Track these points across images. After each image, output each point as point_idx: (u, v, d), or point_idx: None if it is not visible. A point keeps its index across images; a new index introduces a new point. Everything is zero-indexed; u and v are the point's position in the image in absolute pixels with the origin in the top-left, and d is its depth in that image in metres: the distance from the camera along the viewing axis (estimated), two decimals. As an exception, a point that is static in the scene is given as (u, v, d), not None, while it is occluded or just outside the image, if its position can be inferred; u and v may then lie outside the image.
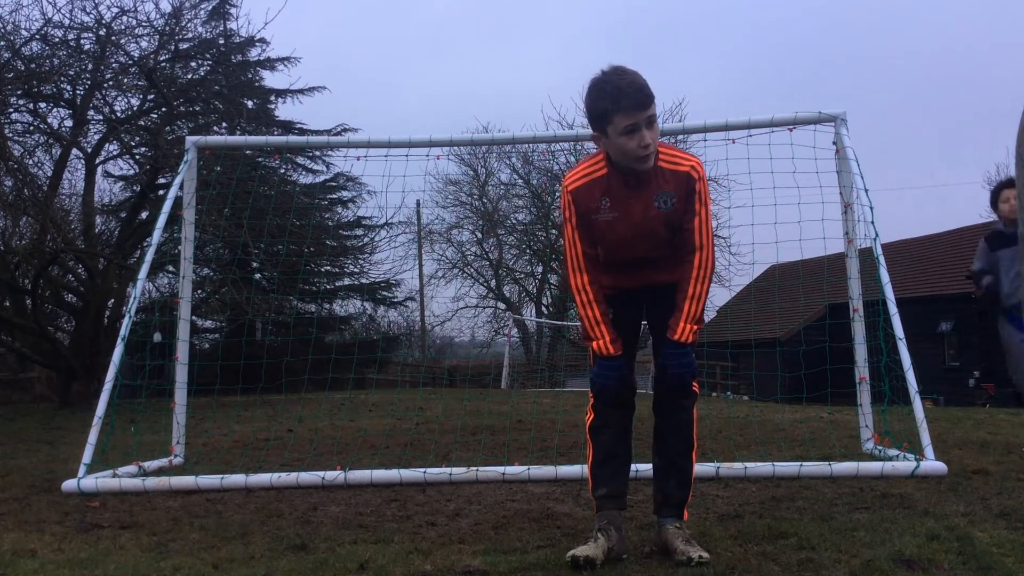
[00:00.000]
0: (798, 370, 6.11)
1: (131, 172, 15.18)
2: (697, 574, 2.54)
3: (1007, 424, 6.44)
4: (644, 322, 3.08)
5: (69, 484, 4.42)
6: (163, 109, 13.01)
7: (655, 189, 2.74)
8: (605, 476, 2.87)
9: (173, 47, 12.66)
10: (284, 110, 28.81)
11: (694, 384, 2.89)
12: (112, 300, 13.41)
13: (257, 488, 4.39)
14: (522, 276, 29.98)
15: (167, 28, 12.23)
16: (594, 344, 2.80)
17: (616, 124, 2.65)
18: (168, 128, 13.00)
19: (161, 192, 12.52)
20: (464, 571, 2.66)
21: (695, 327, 2.76)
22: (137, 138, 13.45)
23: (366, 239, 21.62)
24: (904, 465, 4.21)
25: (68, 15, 11.76)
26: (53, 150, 12.89)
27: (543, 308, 29.55)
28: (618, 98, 2.63)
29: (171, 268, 12.35)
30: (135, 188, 14.96)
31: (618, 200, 2.77)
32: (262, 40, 15.73)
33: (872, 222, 4.75)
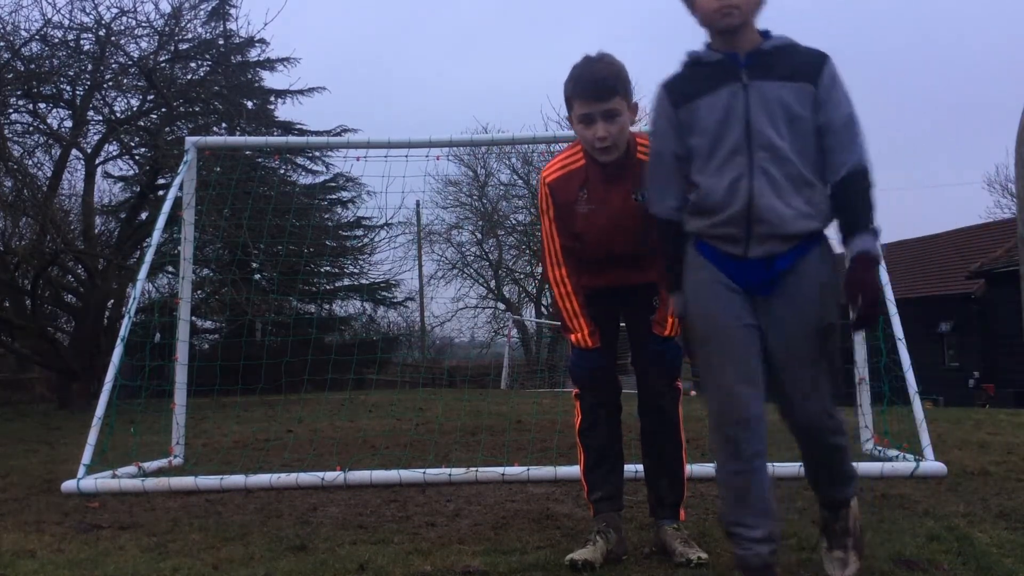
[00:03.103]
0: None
1: (131, 173, 15.17)
2: (697, 575, 2.54)
3: (1007, 424, 6.44)
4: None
5: (69, 485, 4.42)
6: (163, 109, 13.01)
7: (634, 181, 2.73)
8: (599, 479, 2.86)
9: (173, 47, 12.67)
10: (284, 111, 28.78)
11: (677, 382, 2.90)
12: (112, 301, 13.40)
13: (257, 489, 4.39)
14: (522, 276, 29.99)
15: (167, 29, 12.23)
16: (573, 336, 2.79)
17: (575, 110, 2.66)
18: (168, 128, 13.00)
19: (161, 192, 12.52)
20: (464, 571, 2.66)
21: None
22: (137, 139, 13.45)
23: (366, 239, 21.61)
24: (904, 466, 4.21)
25: (68, 16, 11.74)
26: (53, 151, 12.89)
27: (543, 309, 29.53)
28: (575, 85, 2.65)
29: (171, 269, 12.33)
30: (135, 189, 14.96)
31: (596, 192, 2.75)
32: (262, 41, 15.73)
33: (872, 222, 4.74)
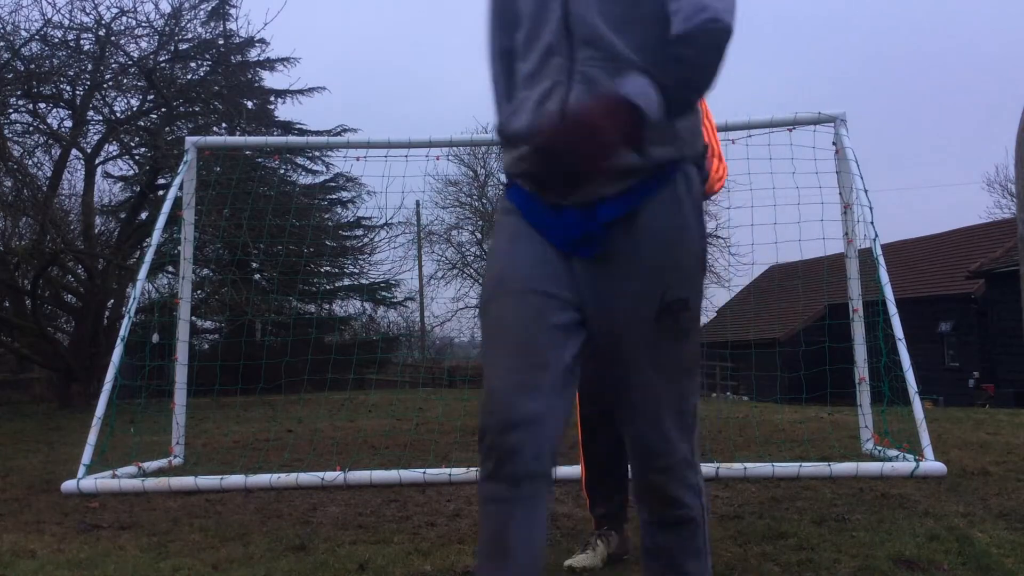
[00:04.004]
0: (798, 370, 6.12)
1: (131, 172, 15.18)
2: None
3: (1007, 424, 6.44)
4: None
5: (68, 485, 4.42)
6: (163, 109, 13.02)
7: None
8: (601, 497, 2.80)
9: (173, 47, 12.67)
10: (284, 110, 28.80)
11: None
12: (112, 300, 13.41)
13: (257, 489, 4.39)
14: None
15: (167, 28, 12.24)
16: None
17: None
18: (168, 128, 13.00)
19: (161, 192, 12.53)
20: (464, 571, 2.66)
21: (724, 167, 2.72)
22: (137, 138, 13.45)
23: (366, 239, 21.60)
24: (904, 465, 4.21)
25: (68, 16, 11.75)
26: (53, 151, 12.91)
27: (543, 308, 29.57)
28: None
29: (170, 269, 12.35)
30: (135, 188, 14.96)
31: None
32: (262, 40, 15.73)
33: (872, 222, 4.75)
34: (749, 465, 4.32)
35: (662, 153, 1.49)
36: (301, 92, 17.26)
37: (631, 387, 1.52)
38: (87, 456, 4.60)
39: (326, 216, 20.46)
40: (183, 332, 5.57)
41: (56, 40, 11.56)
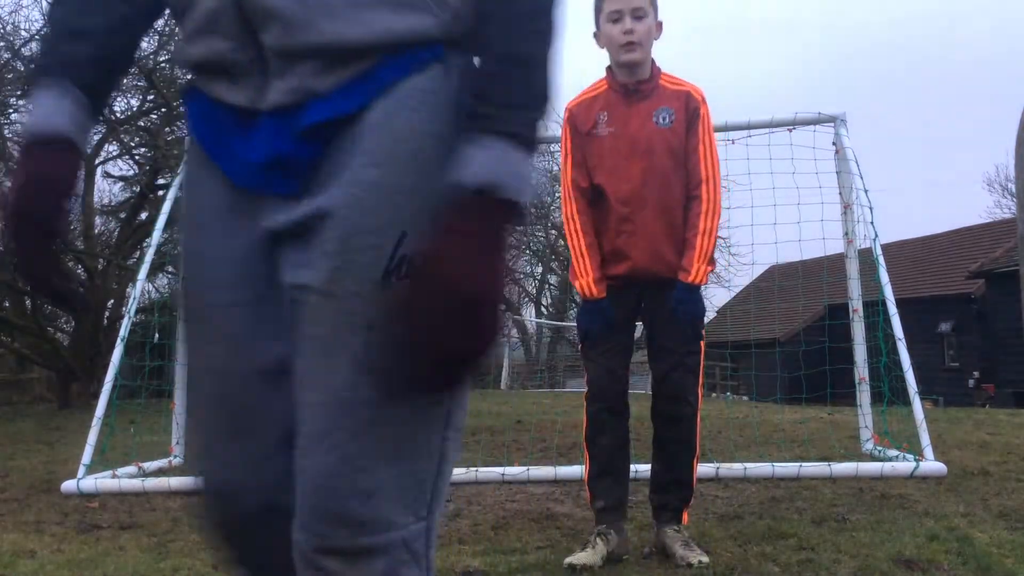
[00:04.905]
0: (797, 371, 6.12)
1: (131, 173, 15.19)
2: (697, 574, 2.55)
3: (1007, 424, 6.44)
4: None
5: (68, 485, 4.42)
6: (163, 110, 13.03)
7: (654, 104, 2.76)
8: (603, 490, 2.78)
9: (173, 48, 12.68)
10: (284, 111, 28.77)
11: (698, 388, 2.77)
12: (112, 301, 13.42)
13: (257, 489, 4.38)
14: (521, 276, 29.98)
15: (167, 29, 12.24)
16: (577, 283, 2.78)
17: (604, 11, 2.75)
18: (168, 128, 13.01)
19: (161, 192, 12.55)
20: (464, 571, 2.66)
21: (709, 268, 2.72)
22: (137, 138, 13.47)
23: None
24: (904, 466, 4.21)
25: (68, 16, 11.77)
26: (53, 151, 12.90)
27: (543, 309, 29.56)
28: None
29: (170, 269, 12.36)
30: (135, 189, 14.98)
31: (616, 114, 2.77)
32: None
33: (872, 222, 4.75)
34: (749, 465, 4.32)
35: (408, 26, 0.90)
36: (301, 92, 17.28)
37: (304, 374, 0.89)
38: (87, 456, 4.60)
39: (326, 216, 20.51)
40: (183, 332, 5.57)
41: (56, 40, 11.57)
